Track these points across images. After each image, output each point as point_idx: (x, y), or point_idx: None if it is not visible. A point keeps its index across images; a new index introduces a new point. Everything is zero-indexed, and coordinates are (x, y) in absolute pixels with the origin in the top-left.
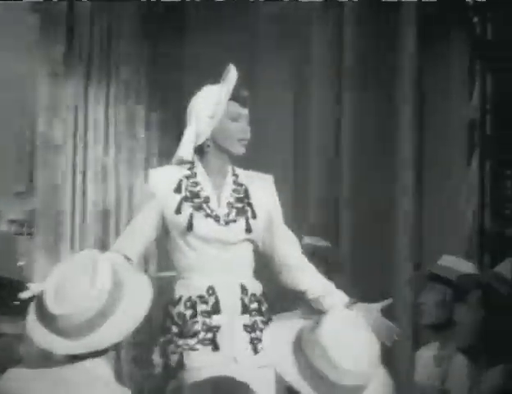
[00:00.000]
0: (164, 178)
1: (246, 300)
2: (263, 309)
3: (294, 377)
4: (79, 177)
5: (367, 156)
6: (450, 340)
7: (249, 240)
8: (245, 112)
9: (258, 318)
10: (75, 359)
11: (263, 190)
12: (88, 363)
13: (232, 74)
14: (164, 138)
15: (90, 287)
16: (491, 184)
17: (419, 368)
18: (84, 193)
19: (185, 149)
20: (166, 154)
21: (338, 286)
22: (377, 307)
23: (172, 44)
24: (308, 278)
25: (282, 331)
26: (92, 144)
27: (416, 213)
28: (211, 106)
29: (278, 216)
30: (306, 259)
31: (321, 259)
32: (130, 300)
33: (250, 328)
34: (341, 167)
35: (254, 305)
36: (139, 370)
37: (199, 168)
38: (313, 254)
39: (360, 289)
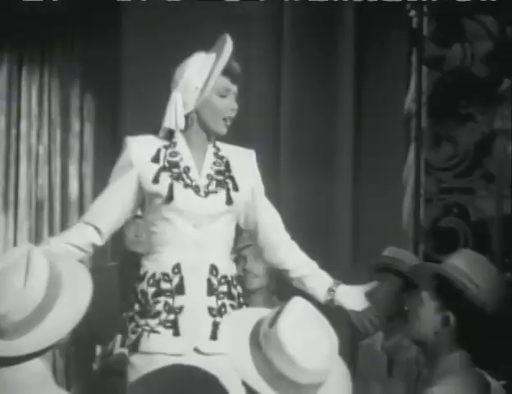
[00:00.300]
0: (142, 147)
1: (214, 281)
2: (235, 292)
3: (250, 374)
4: (12, 167)
5: (304, 150)
6: (396, 330)
7: (229, 213)
8: (235, 88)
9: (227, 302)
10: (11, 360)
11: (246, 164)
12: (25, 363)
13: (228, 45)
14: (99, 128)
15: (24, 284)
16: (425, 176)
17: (362, 359)
18: (16, 184)
19: (174, 119)
20: (101, 145)
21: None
22: (361, 290)
23: (109, 37)
24: (291, 257)
25: (240, 320)
26: (25, 134)
27: (353, 206)
28: (201, 77)
29: (260, 191)
30: (289, 237)
31: None
32: (68, 295)
33: (216, 312)
34: (280, 150)
35: (223, 288)
36: (76, 367)
37: (180, 138)
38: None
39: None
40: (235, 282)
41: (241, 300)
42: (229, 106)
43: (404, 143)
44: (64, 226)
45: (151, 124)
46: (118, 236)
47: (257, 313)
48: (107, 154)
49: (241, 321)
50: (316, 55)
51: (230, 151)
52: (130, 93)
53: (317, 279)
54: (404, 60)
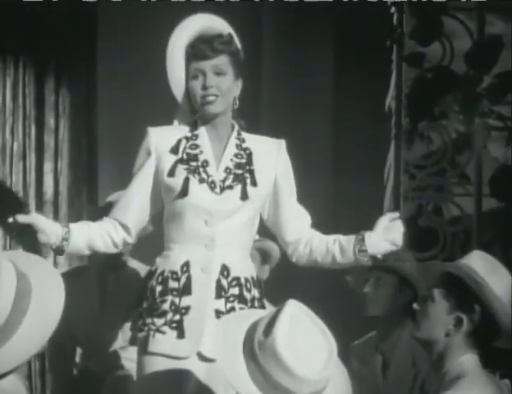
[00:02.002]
0: (162, 136)
1: (224, 283)
2: (248, 296)
3: (244, 385)
4: None
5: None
6: (392, 330)
7: (245, 209)
8: (204, 65)
9: (238, 306)
10: None
11: (270, 155)
12: None
13: (173, 38)
14: (74, 124)
15: None
16: (404, 174)
17: (355, 361)
18: None
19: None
20: (77, 141)
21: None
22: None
23: (85, 31)
24: (314, 254)
25: (231, 326)
26: None
27: (333, 201)
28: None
29: (287, 186)
30: (316, 232)
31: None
32: (38, 308)
33: (224, 315)
34: None
35: (234, 290)
36: (54, 371)
37: (202, 129)
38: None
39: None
40: (249, 285)
41: (256, 304)
42: (200, 85)
43: (385, 140)
44: None
45: (127, 119)
46: None
47: (249, 316)
48: (83, 151)
49: (232, 327)
50: (295, 51)
51: (257, 141)
52: (106, 89)
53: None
54: (384, 57)
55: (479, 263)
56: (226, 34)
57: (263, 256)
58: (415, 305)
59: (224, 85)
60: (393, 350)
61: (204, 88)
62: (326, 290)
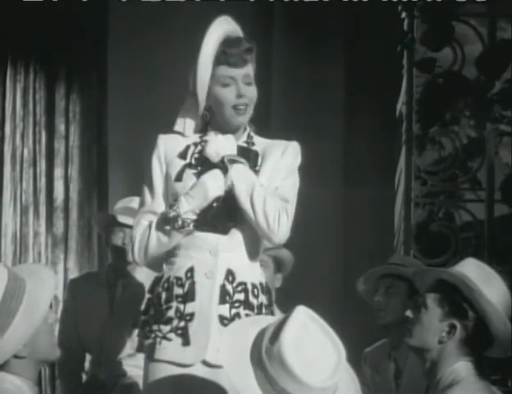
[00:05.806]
0: (171, 143)
1: (229, 288)
2: (255, 302)
3: (251, 392)
4: None
5: None
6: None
7: None
8: (238, 72)
9: (243, 312)
10: None
11: (276, 155)
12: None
13: (209, 33)
14: (84, 130)
15: None
16: (415, 180)
17: (368, 368)
18: (0, 187)
19: (181, 123)
20: (87, 147)
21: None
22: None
23: (95, 38)
24: None
25: (239, 333)
26: (9, 136)
27: (344, 209)
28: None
29: (280, 180)
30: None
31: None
32: (26, 311)
33: (229, 321)
34: None
35: (240, 296)
36: (64, 377)
37: (211, 135)
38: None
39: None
40: (256, 291)
41: (264, 311)
42: (234, 93)
43: (396, 145)
44: (49, 231)
45: (137, 125)
46: (104, 244)
47: (258, 322)
48: (93, 157)
49: (241, 332)
50: (306, 56)
51: (265, 145)
52: (117, 95)
53: None
54: (395, 62)
55: (473, 271)
56: (248, 41)
57: (277, 264)
58: (408, 312)
59: (253, 95)
60: (406, 358)
61: (239, 96)
62: (337, 298)
